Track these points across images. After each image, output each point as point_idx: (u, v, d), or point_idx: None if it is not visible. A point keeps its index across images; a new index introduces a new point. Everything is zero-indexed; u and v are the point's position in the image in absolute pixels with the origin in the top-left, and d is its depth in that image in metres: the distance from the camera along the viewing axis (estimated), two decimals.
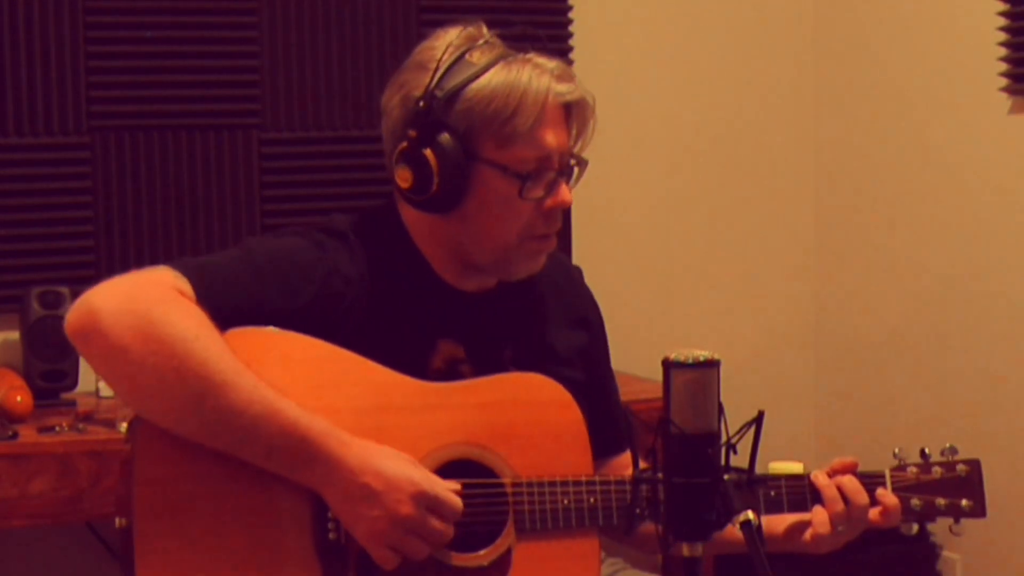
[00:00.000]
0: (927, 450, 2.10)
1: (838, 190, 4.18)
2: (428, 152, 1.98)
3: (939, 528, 3.50)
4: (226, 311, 1.91)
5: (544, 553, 1.99)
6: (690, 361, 1.60)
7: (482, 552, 1.97)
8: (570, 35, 3.94)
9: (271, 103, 3.67)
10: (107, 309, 1.84)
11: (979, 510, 2.09)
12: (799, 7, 4.20)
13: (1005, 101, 3.62)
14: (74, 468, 2.97)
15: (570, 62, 3.90)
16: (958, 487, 2.08)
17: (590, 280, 2.27)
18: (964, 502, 2.08)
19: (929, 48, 3.85)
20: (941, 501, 2.08)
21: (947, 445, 2.10)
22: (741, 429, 1.63)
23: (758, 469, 1.68)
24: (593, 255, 3.76)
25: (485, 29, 2.06)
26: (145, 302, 1.86)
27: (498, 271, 2.09)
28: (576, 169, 2.08)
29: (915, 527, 2.09)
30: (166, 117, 3.58)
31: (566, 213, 2.10)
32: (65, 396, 3.31)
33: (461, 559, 1.95)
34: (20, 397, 3.11)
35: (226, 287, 1.94)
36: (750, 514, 1.61)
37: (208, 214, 3.61)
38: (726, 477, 1.62)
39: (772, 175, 4.22)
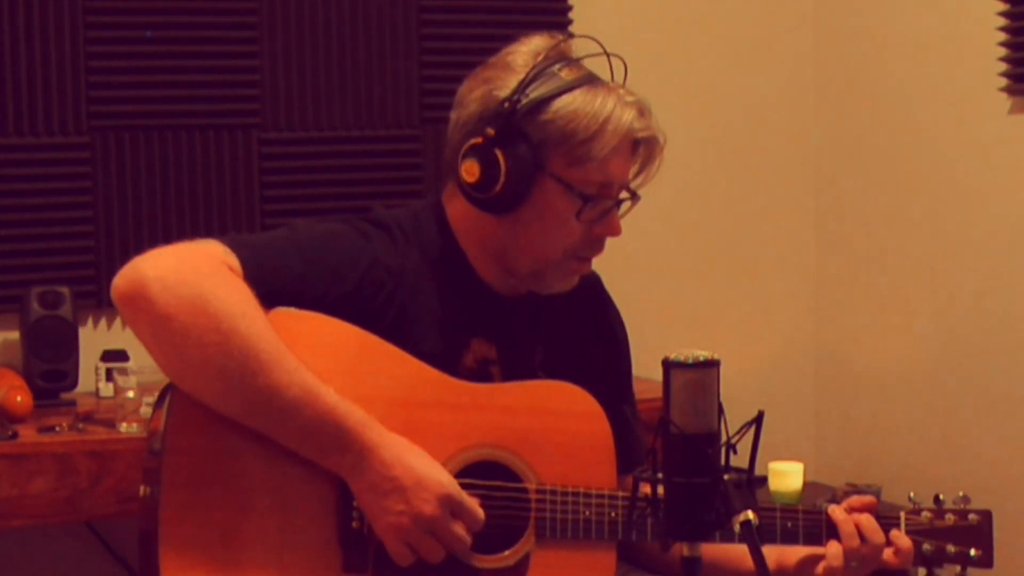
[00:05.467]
0: (941, 496, 2.14)
1: (838, 191, 4.17)
2: (500, 153, 1.99)
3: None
4: (271, 291, 1.92)
5: (561, 561, 1.99)
6: (690, 361, 1.61)
7: (506, 553, 1.97)
8: (569, 35, 3.93)
9: (271, 103, 3.66)
10: (156, 276, 1.85)
11: (987, 560, 2.14)
12: (800, 7, 4.20)
13: (1005, 101, 3.62)
14: (74, 468, 2.97)
15: None
16: (968, 536, 2.13)
17: None
18: (973, 551, 2.13)
19: (929, 48, 3.85)
20: (951, 548, 2.12)
21: (960, 494, 2.15)
22: (741, 429, 1.64)
23: (758, 469, 1.68)
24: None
25: (564, 45, 2.11)
26: (195, 273, 1.86)
27: (532, 282, 2.10)
28: (629, 202, 2.10)
29: (923, 571, 2.12)
30: (166, 117, 3.57)
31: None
32: (65, 396, 3.31)
33: (481, 560, 1.96)
34: (20, 397, 3.11)
35: (274, 267, 1.95)
36: (750, 514, 1.61)
37: (208, 214, 3.61)
38: (726, 477, 1.62)
39: (772, 177, 4.22)
